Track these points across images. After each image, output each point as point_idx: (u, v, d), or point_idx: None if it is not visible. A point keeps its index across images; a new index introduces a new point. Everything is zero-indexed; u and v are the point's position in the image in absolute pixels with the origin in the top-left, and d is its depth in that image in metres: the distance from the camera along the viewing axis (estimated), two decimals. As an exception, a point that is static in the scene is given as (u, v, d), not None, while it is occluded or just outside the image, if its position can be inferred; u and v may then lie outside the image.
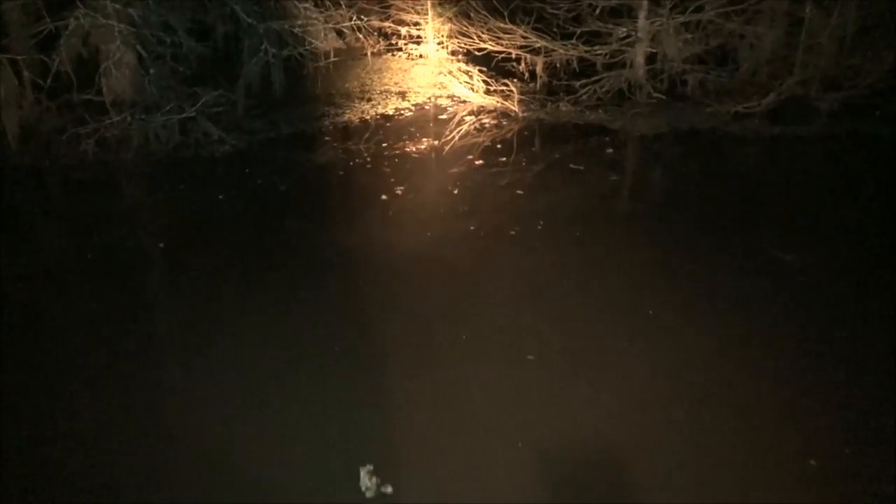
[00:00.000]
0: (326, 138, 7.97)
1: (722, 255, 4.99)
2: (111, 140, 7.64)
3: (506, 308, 4.33)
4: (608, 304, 4.36)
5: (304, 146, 7.72)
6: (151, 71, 8.12)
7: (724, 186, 6.36)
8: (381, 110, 9.22)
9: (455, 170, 6.76)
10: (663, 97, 9.34)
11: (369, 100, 9.78)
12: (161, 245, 5.45)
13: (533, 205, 5.89)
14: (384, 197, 6.10)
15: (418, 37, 13.60)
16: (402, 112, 9.14)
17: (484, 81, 10.09)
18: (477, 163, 6.92)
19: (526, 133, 8.08)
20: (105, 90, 8.08)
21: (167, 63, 8.05)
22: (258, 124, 8.52)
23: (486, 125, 8.39)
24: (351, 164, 6.93)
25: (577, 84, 9.77)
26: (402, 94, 10.09)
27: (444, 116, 8.82)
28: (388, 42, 13.81)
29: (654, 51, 9.59)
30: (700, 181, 6.61)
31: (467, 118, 8.73)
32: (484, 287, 4.62)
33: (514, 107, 8.95)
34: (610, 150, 7.36)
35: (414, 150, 7.43)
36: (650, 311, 4.20)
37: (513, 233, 5.37)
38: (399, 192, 6.19)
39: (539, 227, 5.43)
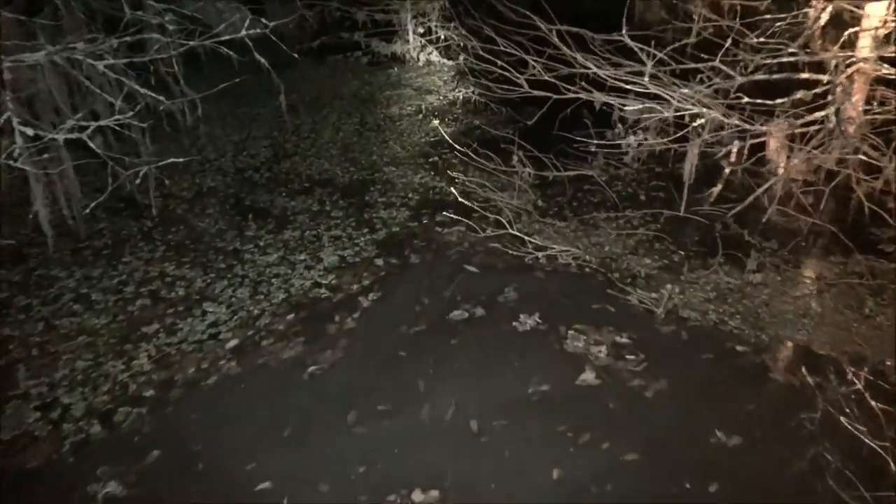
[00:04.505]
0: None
1: None
2: None
3: None
4: None
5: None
6: None
7: None
8: (299, 280, 3.67)
9: None
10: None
11: (279, 228, 4.22)
12: None
13: None
14: None
15: (389, 24, 7.75)
16: (354, 286, 3.62)
17: (528, 159, 4.44)
18: None
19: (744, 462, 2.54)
20: None
21: None
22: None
23: (596, 370, 2.93)
24: None
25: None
26: (357, 200, 4.52)
27: (455, 314, 3.33)
28: (336, 34, 7.93)
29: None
30: None
31: (521, 320, 3.23)
32: None
33: (656, 304, 3.41)
34: None
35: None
36: None
37: None
38: None
39: None
